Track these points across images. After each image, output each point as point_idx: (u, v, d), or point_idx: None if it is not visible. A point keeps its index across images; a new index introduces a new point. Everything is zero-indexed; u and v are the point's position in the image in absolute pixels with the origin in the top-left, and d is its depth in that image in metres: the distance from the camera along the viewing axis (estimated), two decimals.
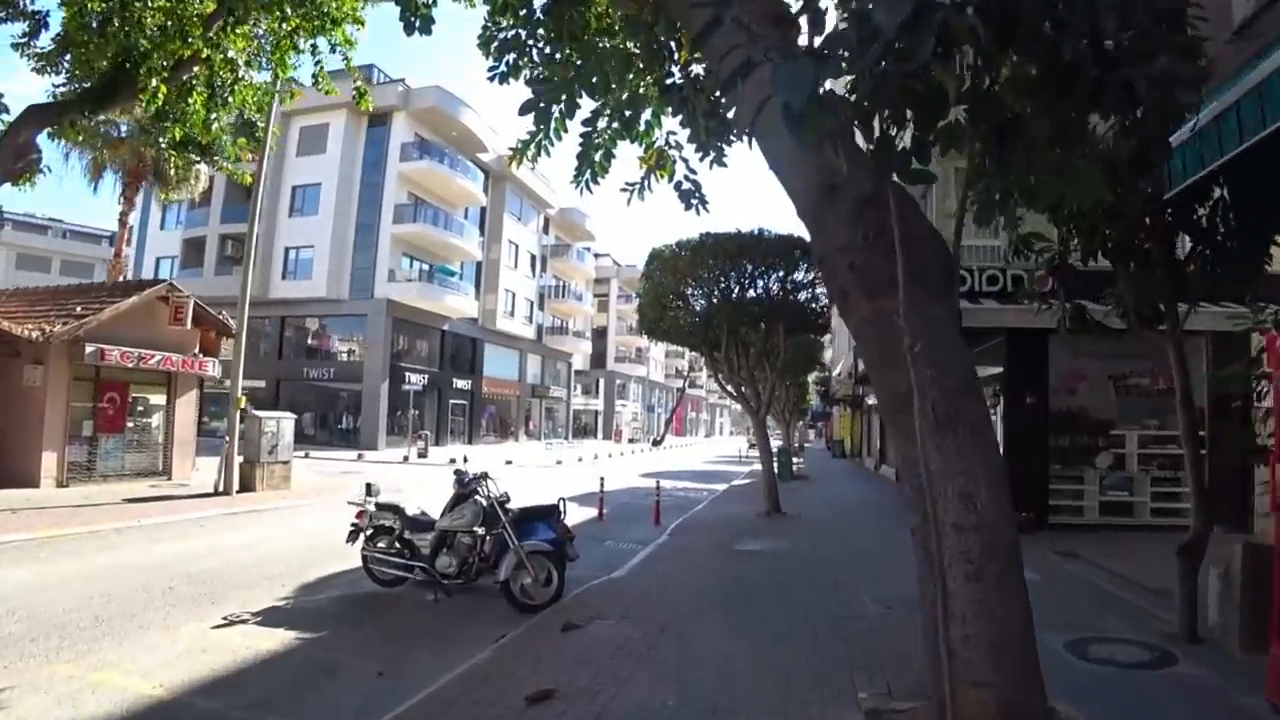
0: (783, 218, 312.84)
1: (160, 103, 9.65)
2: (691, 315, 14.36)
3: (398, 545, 7.21)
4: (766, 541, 10.70)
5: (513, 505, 7.10)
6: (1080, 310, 6.77)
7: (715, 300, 13.73)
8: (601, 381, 66.46)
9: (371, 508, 7.45)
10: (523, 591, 6.67)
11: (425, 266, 36.59)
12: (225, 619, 6.32)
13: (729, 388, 15.68)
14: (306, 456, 26.40)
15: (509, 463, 28.07)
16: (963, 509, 3.01)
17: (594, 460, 33.04)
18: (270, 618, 6.42)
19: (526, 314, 47.66)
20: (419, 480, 17.67)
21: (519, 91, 5.14)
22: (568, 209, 53.56)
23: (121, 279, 22.66)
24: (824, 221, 3.43)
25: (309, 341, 36.93)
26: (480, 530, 6.87)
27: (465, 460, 8.01)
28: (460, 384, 39.95)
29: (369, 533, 7.41)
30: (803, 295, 14.33)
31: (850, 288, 3.30)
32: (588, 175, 5.40)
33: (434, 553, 6.95)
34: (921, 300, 3.09)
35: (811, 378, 38.07)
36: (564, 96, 5.07)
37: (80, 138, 12.42)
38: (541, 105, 5.09)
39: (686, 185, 5.25)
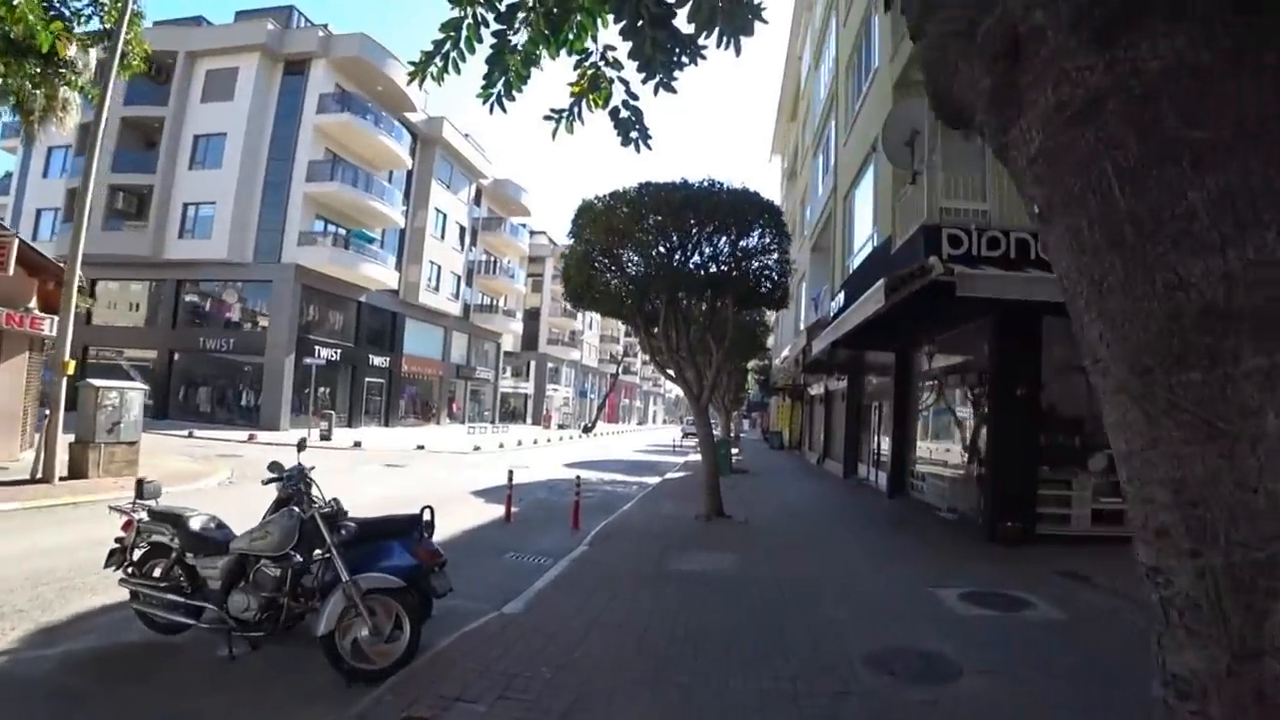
0: (738, 171, 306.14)
1: None
2: (625, 281, 12.17)
3: (178, 573, 4.87)
4: (710, 558, 8.59)
5: (353, 517, 4.89)
6: None
7: (654, 263, 11.60)
8: (533, 364, 63.65)
9: (142, 517, 5.07)
10: (354, 651, 4.40)
11: (341, 231, 33.24)
12: None
13: (668, 370, 13.58)
14: (190, 436, 23.44)
15: (421, 447, 25.52)
16: None
17: (518, 446, 30.59)
18: None
19: (453, 289, 44.60)
20: (314, 468, 15.08)
21: (473, 68, 3.17)
22: (502, 180, 50.57)
23: None
24: None
25: (207, 308, 33.38)
26: (296, 555, 4.61)
27: (301, 446, 5.66)
28: (377, 361, 36.88)
29: (139, 553, 5.06)
30: (755, 263, 12.32)
31: (1043, 23, 1.20)
32: (499, 87, 3.39)
33: (227, 587, 4.64)
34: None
35: (751, 364, 36.43)
36: None
37: None
38: None
39: (625, 114, 3.36)
